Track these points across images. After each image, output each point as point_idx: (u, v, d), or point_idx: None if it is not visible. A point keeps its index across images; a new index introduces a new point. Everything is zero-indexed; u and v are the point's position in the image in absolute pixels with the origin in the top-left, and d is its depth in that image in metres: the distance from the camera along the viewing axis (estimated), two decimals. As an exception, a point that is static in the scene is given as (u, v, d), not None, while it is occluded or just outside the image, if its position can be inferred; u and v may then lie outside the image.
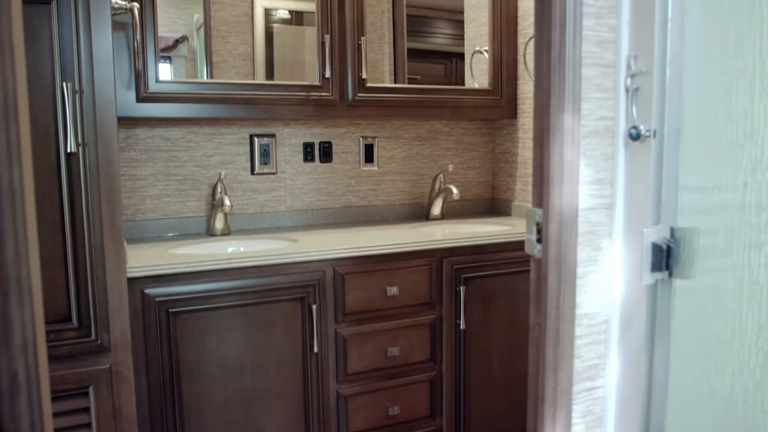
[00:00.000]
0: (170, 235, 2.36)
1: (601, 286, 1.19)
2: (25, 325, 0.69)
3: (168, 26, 2.25)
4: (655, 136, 1.10)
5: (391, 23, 2.64)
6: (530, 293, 1.20)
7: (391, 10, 2.64)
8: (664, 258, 1.11)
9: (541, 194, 1.12)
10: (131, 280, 1.77)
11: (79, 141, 1.58)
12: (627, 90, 1.13)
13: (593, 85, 1.12)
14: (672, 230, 1.12)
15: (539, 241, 1.15)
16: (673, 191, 1.12)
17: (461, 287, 2.25)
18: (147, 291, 1.82)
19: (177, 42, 2.30)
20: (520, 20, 2.71)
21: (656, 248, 1.10)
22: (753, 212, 1.01)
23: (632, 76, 1.12)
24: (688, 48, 1.08)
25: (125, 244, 1.70)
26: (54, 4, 1.55)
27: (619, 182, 1.17)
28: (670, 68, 1.09)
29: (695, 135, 1.09)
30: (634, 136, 1.11)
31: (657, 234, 1.11)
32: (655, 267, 1.11)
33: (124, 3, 1.93)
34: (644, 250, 1.10)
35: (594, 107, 1.13)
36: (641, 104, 1.12)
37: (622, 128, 1.16)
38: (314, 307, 2.02)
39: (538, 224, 1.15)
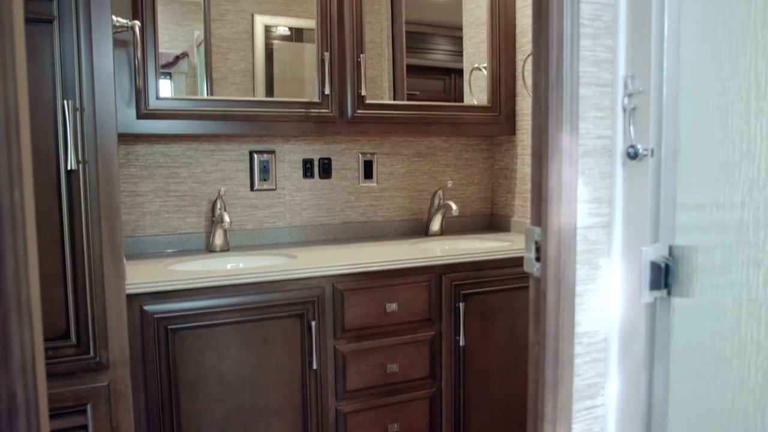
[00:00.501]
0: (169, 251, 2.36)
1: (600, 305, 1.20)
2: (24, 346, 0.69)
3: (168, 42, 2.26)
4: (652, 155, 1.11)
5: (390, 40, 2.66)
6: (529, 311, 1.20)
7: (390, 27, 2.66)
8: (663, 276, 1.11)
9: (539, 213, 1.13)
10: (130, 297, 1.77)
11: (80, 158, 1.59)
12: (624, 109, 1.14)
13: (591, 105, 1.13)
14: (670, 248, 1.12)
15: (538, 259, 1.16)
16: (671, 210, 1.12)
17: (461, 303, 2.25)
18: (146, 308, 1.82)
19: (177, 58, 2.31)
20: (518, 38, 2.73)
21: (655, 267, 1.11)
22: (751, 230, 1.01)
23: (629, 95, 1.13)
24: (684, 68, 1.09)
25: (124, 260, 1.71)
26: (56, 23, 1.56)
27: (617, 201, 1.18)
28: (666, 88, 1.10)
29: (692, 154, 1.09)
30: (632, 155, 1.12)
31: (655, 252, 1.11)
32: (654, 285, 1.11)
33: (125, 21, 1.95)
34: (643, 268, 1.10)
35: (592, 126, 1.14)
36: (638, 123, 1.12)
37: (620, 147, 1.16)
38: (313, 323, 2.02)
39: (536, 243, 1.16)
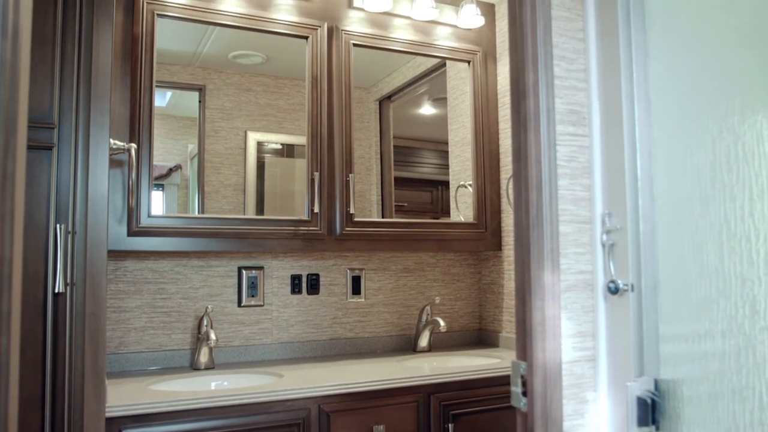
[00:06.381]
0: (153, 368, 2.31)
1: (589, 440, 1.18)
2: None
3: (163, 156, 2.33)
4: (633, 290, 1.13)
5: (379, 156, 2.75)
6: (517, 448, 1.18)
7: (379, 143, 2.76)
8: (650, 412, 1.10)
9: (524, 348, 1.13)
10: (109, 420, 1.72)
11: (68, 281, 1.60)
12: (603, 245, 1.18)
13: (571, 241, 1.17)
14: (656, 382, 1.12)
15: (524, 393, 1.15)
16: (654, 344, 1.13)
17: (450, 424, 2.19)
18: (125, 432, 1.76)
19: (171, 170, 2.37)
20: (501, 157, 2.83)
21: (641, 402, 1.10)
22: (732, 364, 1.02)
23: (607, 232, 1.17)
24: (659, 207, 1.14)
25: (106, 382, 1.67)
26: (55, 150, 1.62)
27: (600, 334, 1.19)
28: (643, 225, 1.14)
29: (672, 289, 1.12)
30: (613, 290, 1.15)
31: (641, 387, 1.11)
32: (641, 422, 1.10)
33: (122, 144, 2.01)
34: (629, 405, 1.09)
35: (573, 262, 1.17)
36: (618, 259, 1.16)
37: (601, 281, 1.19)
38: (298, 448, 1.96)
39: (522, 377, 1.16)
